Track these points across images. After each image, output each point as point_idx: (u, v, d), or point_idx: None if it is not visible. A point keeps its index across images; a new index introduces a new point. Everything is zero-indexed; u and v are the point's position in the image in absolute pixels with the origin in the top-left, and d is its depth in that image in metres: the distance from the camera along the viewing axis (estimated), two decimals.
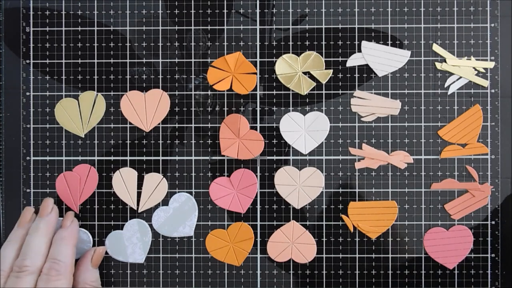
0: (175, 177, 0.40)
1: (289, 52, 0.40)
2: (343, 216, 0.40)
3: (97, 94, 0.40)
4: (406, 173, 0.39)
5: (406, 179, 0.40)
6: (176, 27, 0.40)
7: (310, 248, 0.39)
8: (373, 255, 0.40)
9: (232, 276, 0.40)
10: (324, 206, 0.40)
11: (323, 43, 0.40)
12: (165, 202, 0.40)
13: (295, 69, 0.39)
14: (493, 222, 0.39)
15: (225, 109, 0.40)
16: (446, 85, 0.39)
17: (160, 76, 0.40)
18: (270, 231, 0.40)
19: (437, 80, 0.39)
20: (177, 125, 0.40)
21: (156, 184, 0.39)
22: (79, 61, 0.40)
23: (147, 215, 0.40)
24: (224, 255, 0.39)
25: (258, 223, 0.40)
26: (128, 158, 0.40)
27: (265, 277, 0.40)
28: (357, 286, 0.40)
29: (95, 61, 0.40)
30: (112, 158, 0.40)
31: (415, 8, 0.39)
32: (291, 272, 0.40)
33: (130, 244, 0.39)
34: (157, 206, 0.40)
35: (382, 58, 0.39)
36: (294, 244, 0.39)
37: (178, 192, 0.40)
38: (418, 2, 0.39)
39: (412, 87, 0.39)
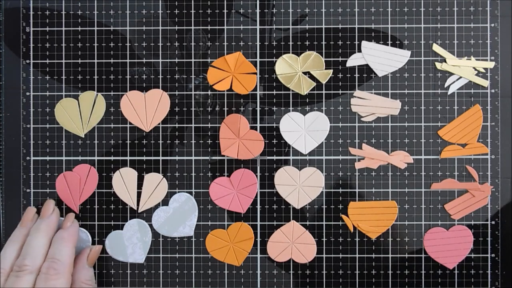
0: (175, 177, 0.40)
1: (289, 52, 0.39)
2: (343, 216, 0.40)
3: (97, 94, 0.40)
4: (406, 173, 0.39)
5: (406, 179, 0.39)
6: (176, 27, 0.40)
7: (310, 248, 0.39)
8: (373, 255, 0.40)
9: (232, 276, 0.40)
10: (324, 206, 0.40)
11: (323, 43, 0.40)
12: (165, 202, 0.40)
13: (295, 69, 0.39)
14: (493, 222, 0.39)
15: (225, 109, 0.40)
16: (446, 85, 0.39)
17: (160, 76, 0.40)
18: (270, 231, 0.40)
19: (437, 80, 0.39)
20: (177, 125, 0.40)
21: (156, 184, 0.39)
22: (79, 61, 0.40)
23: (147, 215, 0.40)
24: (224, 255, 0.39)
25: (258, 223, 0.40)
26: (128, 158, 0.40)
27: (265, 277, 0.40)
28: (357, 286, 0.40)
29: (95, 61, 0.40)
30: (112, 158, 0.40)
31: (415, 8, 0.39)
32: (291, 272, 0.40)
33: (130, 244, 0.39)
34: (157, 206, 0.40)
35: (382, 58, 0.39)
36: (294, 244, 0.39)
37: (178, 192, 0.40)
38: (418, 2, 0.39)
39: (412, 87, 0.39)
